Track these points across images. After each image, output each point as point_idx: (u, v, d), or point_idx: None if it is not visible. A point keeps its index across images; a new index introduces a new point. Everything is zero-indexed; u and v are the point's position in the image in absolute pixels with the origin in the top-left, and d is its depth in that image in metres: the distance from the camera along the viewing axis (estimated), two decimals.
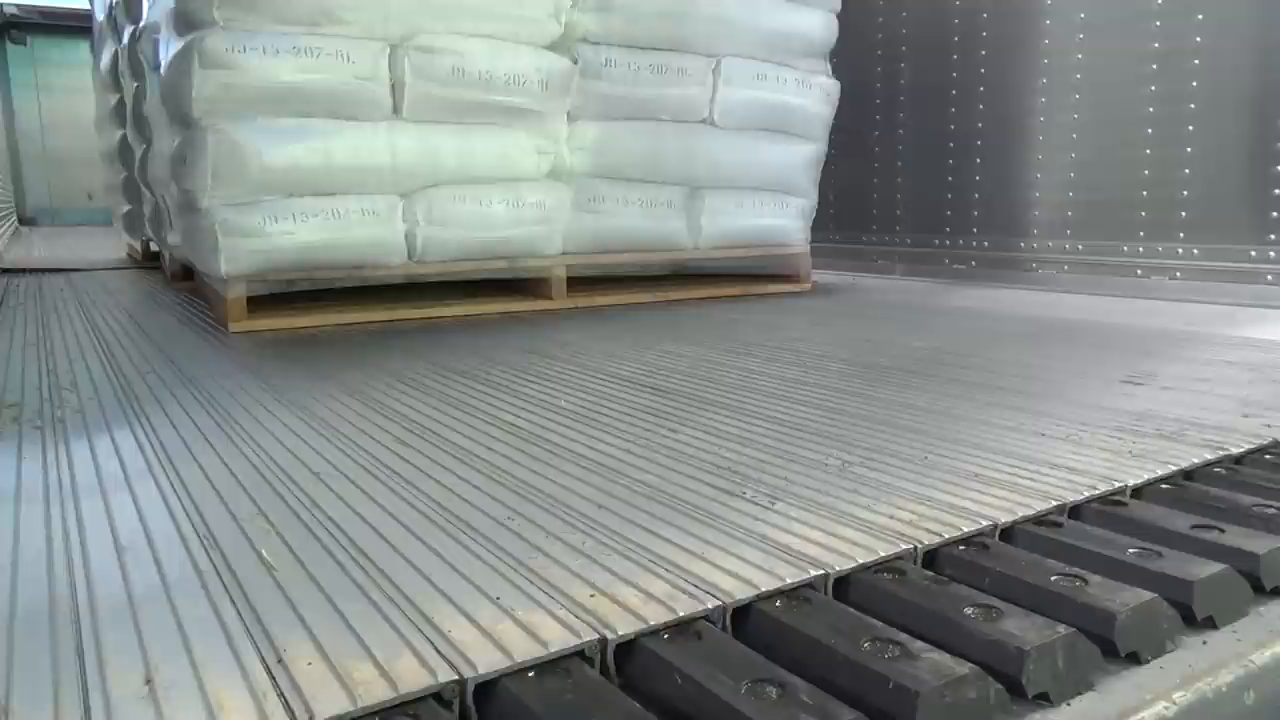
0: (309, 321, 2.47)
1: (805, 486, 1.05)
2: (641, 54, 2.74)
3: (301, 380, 1.74)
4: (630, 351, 2.02)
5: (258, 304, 2.46)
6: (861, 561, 0.82)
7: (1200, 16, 2.75)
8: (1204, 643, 0.74)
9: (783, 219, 3.13)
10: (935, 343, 2.09)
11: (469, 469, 1.16)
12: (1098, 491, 1.00)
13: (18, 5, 10.99)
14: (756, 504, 0.99)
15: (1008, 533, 0.92)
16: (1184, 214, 2.84)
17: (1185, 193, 2.83)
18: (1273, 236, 2.67)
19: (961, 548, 0.87)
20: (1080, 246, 3.14)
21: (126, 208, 4.64)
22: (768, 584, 0.78)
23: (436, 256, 2.56)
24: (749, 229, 3.07)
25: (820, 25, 3.09)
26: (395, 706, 0.62)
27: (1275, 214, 2.66)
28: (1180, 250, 2.86)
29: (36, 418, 1.47)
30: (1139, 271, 2.97)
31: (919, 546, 0.86)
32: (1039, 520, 0.94)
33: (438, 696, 0.63)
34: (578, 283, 2.85)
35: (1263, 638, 0.75)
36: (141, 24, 3.07)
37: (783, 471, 1.11)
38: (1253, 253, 2.70)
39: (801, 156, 3.13)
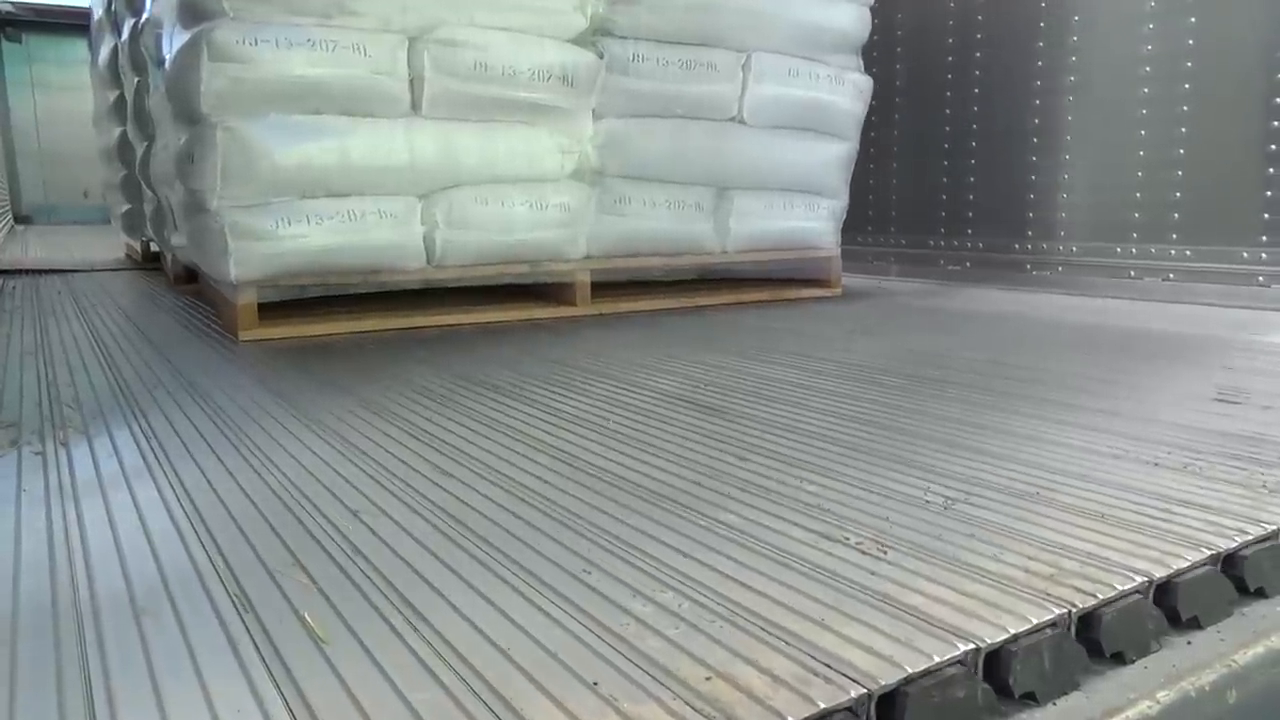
0: (322, 329, 2.34)
1: (911, 529, 0.93)
2: (670, 49, 2.61)
3: (321, 395, 1.62)
4: (666, 363, 1.90)
5: (268, 310, 2.33)
6: (1013, 631, 0.70)
7: (1193, 19, 2.74)
8: (1188, 643, 0.75)
9: (813, 221, 3.01)
10: (986, 352, 1.97)
11: (522, 504, 1.03)
12: (1250, 536, 0.88)
13: (12, 3, 10.83)
14: (864, 552, 0.87)
15: (1163, 589, 0.80)
16: (1176, 215, 2.83)
17: (1178, 194, 2.82)
18: (1265, 238, 2.64)
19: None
20: (1074, 248, 3.13)
21: (126, 207, 4.50)
22: (911, 662, 0.66)
23: (456, 261, 2.44)
24: (778, 231, 2.94)
25: (853, 19, 2.96)
26: None
27: (1267, 215, 2.63)
28: (1173, 252, 2.84)
29: (36, 440, 1.35)
30: (1132, 273, 2.95)
31: (1073, 610, 0.74)
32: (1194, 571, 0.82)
33: None
34: (601, 288, 2.72)
35: (1246, 638, 0.76)
36: (144, 17, 2.93)
37: (879, 509, 0.99)
38: (1245, 254, 2.68)
39: (833, 156, 3.00)
